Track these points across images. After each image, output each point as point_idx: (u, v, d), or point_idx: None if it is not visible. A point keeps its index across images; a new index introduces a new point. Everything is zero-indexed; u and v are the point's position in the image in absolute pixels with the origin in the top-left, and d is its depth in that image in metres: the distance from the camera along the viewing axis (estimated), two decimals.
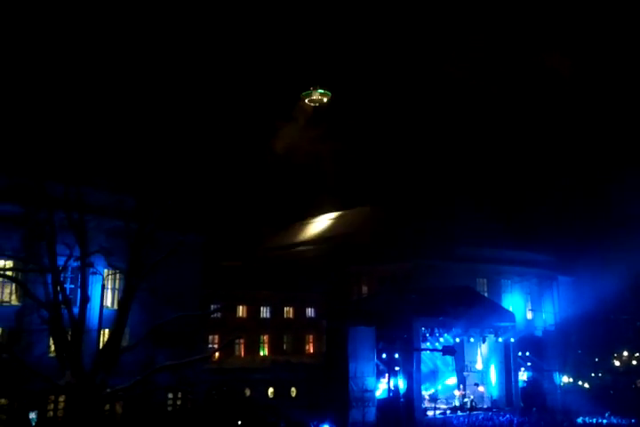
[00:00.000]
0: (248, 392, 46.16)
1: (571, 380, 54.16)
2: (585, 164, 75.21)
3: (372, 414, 41.17)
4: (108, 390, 27.30)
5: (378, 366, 43.09)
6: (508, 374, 48.21)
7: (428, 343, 44.79)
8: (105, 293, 35.76)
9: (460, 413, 44.80)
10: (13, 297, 36.68)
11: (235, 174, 76.70)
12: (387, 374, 42.75)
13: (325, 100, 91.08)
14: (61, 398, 34.37)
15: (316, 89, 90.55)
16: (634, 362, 58.91)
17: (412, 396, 41.64)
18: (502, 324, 47.98)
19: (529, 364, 51.46)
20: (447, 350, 44.23)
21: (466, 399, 47.20)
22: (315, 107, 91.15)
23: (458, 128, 79.17)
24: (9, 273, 31.34)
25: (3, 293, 36.63)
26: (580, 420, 43.57)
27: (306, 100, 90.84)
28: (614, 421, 43.36)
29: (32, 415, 35.14)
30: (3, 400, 34.58)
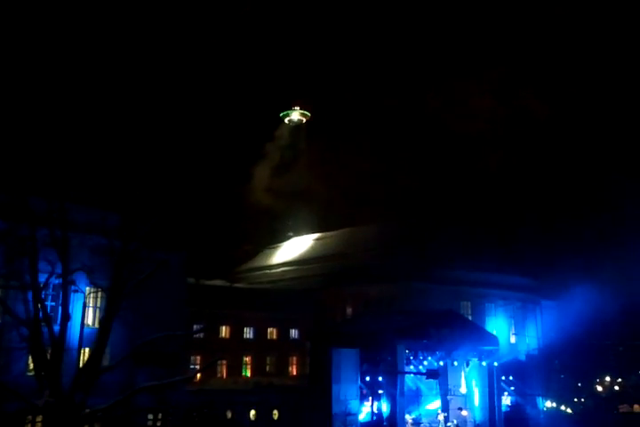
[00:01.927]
0: (230, 415, 45.48)
1: (554, 405, 53.94)
2: (569, 188, 75.92)
3: None
4: (87, 410, 26.78)
5: (362, 388, 42.75)
6: (491, 398, 47.99)
7: (412, 366, 44.53)
8: (86, 311, 35.28)
9: None
10: None
11: (218, 193, 76.65)
12: (370, 397, 42.42)
13: (304, 120, 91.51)
14: (39, 419, 33.69)
15: (295, 109, 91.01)
16: (616, 387, 58.74)
17: (395, 419, 41.31)
18: (486, 347, 47.87)
19: (512, 388, 51.27)
20: (431, 374, 44.05)
21: (449, 423, 46.82)
22: (296, 126, 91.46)
23: (441, 151, 79.80)
24: None
25: None
26: None
27: (285, 120, 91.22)
28: None
29: None
30: None
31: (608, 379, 59.37)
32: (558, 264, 68.66)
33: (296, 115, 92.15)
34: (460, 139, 77.66)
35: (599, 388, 59.29)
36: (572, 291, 62.11)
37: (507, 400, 50.57)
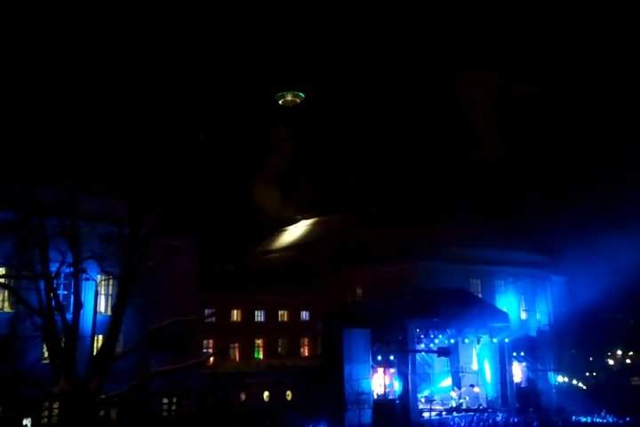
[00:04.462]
0: (243, 396, 46.06)
1: (565, 379, 54.26)
2: (576, 165, 75.56)
3: (367, 416, 41.10)
4: (103, 396, 27.08)
5: (373, 367, 43.08)
6: (503, 374, 48.33)
7: (423, 345, 44.82)
8: (98, 299, 35.63)
9: (455, 414, 44.83)
10: (6, 304, 36.60)
11: (226, 179, 76.72)
12: (382, 376, 42.80)
13: (298, 101, 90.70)
14: (55, 405, 34.24)
15: (288, 91, 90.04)
16: (628, 361, 59.03)
17: (407, 397, 41.67)
18: (496, 324, 48.11)
19: (524, 364, 51.58)
20: (442, 352, 44.36)
21: (461, 400, 47.23)
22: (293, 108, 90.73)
23: (447, 130, 79.43)
24: (1, 280, 31.17)
25: None
26: (574, 419, 43.70)
27: (279, 102, 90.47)
28: (610, 419, 43.49)
29: (26, 422, 35.02)
30: None
31: (619, 352, 59.68)
32: (568, 239, 68.59)
33: (290, 96, 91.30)
34: (462, 118, 77.33)
35: (611, 362, 59.62)
36: (582, 266, 62.22)
37: (519, 376, 50.93)
